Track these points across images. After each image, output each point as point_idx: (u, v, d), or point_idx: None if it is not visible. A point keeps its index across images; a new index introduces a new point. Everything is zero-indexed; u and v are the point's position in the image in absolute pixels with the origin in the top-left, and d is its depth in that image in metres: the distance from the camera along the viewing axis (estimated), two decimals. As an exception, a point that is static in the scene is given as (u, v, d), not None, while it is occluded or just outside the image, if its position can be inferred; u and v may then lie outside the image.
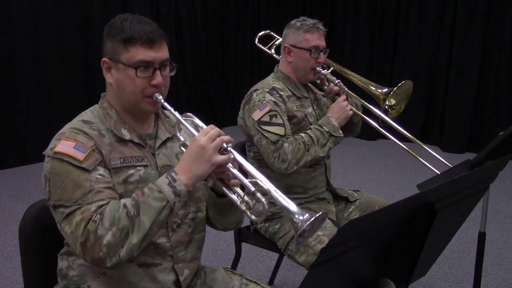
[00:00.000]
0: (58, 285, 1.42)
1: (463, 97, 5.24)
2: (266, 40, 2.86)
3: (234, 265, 2.31)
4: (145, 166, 1.37)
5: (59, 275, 1.40)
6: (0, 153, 4.49)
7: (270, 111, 2.06)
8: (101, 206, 1.23)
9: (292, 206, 1.21)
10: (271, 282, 2.67)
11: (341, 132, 2.13)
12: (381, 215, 1.07)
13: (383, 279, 1.14)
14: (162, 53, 1.34)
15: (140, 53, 1.31)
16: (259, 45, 2.91)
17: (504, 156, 1.43)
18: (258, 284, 1.55)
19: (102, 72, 1.39)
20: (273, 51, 2.79)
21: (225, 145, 1.29)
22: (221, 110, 6.18)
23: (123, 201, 1.25)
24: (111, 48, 1.35)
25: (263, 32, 3.01)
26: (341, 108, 2.16)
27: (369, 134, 5.25)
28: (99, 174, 1.27)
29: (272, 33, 2.91)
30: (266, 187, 1.25)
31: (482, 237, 1.98)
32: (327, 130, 2.09)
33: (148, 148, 1.41)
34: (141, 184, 1.35)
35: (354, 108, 2.22)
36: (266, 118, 2.05)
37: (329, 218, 2.14)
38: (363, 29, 5.78)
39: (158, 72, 1.34)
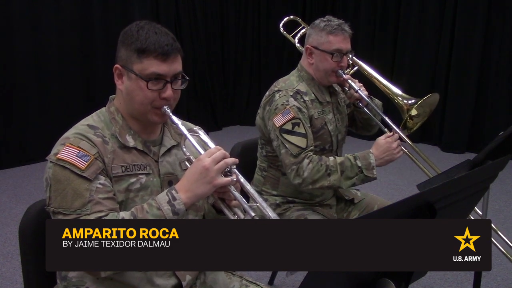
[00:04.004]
0: (57, 286, 1.42)
1: (463, 97, 5.24)
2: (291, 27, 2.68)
3: (234, 265, 2.31)
4: (147, 174, 1.38)
5: (59, 276, 1.40)
6: (0, 153, 4.48)
7: (293, 118, 1.97)
8: (100, 217, 1.24)
9: None
10: (271, 282, 2.67)
11: (375, 174, 1.96)
12: (381, 215, 1.07)
13: (383, 279, 1.14)
14: (175, 66, 1.34)
15: (153, 66, 1.31)
16: (283, 32, 2.76)
17: (504, 156, 1.43)
18: (258, 285, 1.55)
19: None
20: (297, 40, 2.64)
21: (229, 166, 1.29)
22: (221, 110, 6.18)
23: (122, 214, 1.26)
24: (125, 56, 1.34)
25: (287, 17, 2.85)
26: (388, 149, 1.99)
27: (370, 134, 5.24)
28: (100, 184, 1.28)
29: (298, 19, 2.77)
30: (266, 213, 1.25)
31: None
32: (359, 165, 1.95)
33: (152, 155, 1.41)
34: (142, 192, 1.35)
35: (405, 150, 2.05)
36: (288, 126, 1.97)
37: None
38: (362, 28, 5.78)
39: (169, 85, 1.33)
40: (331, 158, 1.98)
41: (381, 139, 2.03)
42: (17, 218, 2.70)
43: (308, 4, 6.23)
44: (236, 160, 1.31)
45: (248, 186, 1.30)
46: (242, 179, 1.30)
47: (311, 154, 1.98)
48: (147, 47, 1.30)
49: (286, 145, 1.96)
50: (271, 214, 1.24)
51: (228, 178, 1.28)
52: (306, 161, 1.94)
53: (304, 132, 1.98)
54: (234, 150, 2.31)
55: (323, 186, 1.96)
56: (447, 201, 1.17)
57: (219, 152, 1.29)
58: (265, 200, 2.10)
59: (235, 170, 1.30)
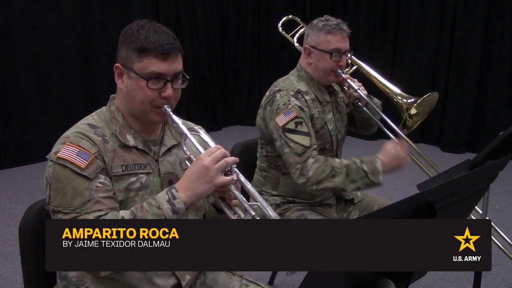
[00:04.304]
0: (57, 286, 1.42)
1: (463, 97, 5.24)
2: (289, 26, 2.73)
3: (234, 265, 2.31)
4: (147, 173, 1.38)
5: (58, 276, 1.40)
6: (0, 153, 4.48)
7: (295, 117, 1.96)
8: (99, 216, 1.24)
9: None
10: (271, 282, 2.67)
11: (381, 179, 1.91)
12: (381, 215, 1.07)
13: (383, 279, 1.14)
14: (175, 65, 1.34)
15: (153, 65, 1.31)
16: (282, 31, 2.78)
17: (504, 156, 1.43)
18: (258, 284, 1.55)
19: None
20: (295, 39, 2.66)
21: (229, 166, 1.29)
22: (221, 110, 6.18)
23: (121, 213, 1.26)
24: (125, 55, 1.34)
25: (286, 17, 2.88)
26: (396, 156, 1.93)
27: (370, 134, 5.25)
28: (100, 183, 1.28)
29: (296, 18, 2.79)
30: (266, 213, 1.25)
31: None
32: (365, 169, 1.91)
33: (152, 154, 1.41)
34: (142, 191, 1.35)
35: (413, 157, 2.02)
36: (291, 126, 1.96)
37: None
38: (362, 28, 5.78)
39: (169, 84, 1.33)
40: (337, 160, 1.97)
41: (389, 145, 1.96)
42: (17, 218, 2.70)
43: (308, 4, 6.23)
44: (236, 159, 1.30)
45: (248, 185, 1.30)
46: (242, 178, 1.30)
47: (316, 153, 1.97)
48: (147, 46, 1.30)
49: (290, 144, 1.95)
50: (272, 214, 1.24)
51: (228, 177, 1.28)
52: (311, 160, 1.93)
53: (307, 131, 1.98)
54: (234, 150, 2.31)
55: (327, 187, 1.94)
56: (447, 201, 1.17)
57: (219, 151, 1.28)
58: (265, 200, 2.10)
59: (236, 169, 1.30)
